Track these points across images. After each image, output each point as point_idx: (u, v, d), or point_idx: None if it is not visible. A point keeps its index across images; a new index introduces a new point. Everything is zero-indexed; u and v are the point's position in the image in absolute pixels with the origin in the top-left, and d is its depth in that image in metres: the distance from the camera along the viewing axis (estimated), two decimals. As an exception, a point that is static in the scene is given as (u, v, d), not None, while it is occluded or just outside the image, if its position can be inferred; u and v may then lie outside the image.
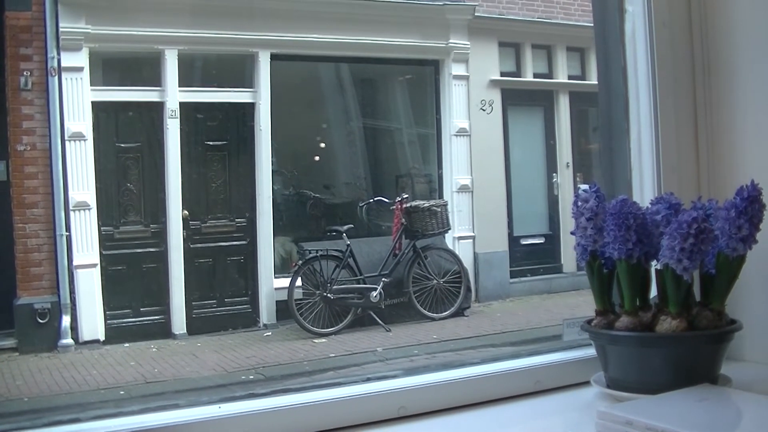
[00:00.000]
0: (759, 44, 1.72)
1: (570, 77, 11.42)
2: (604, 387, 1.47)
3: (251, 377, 6.78)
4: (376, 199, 9.80)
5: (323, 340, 8.06)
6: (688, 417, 1.21)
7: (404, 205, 8.95)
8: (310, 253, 8.47)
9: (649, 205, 1.51)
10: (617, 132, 1.81)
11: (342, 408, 1.38)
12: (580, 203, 1.47)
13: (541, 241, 11.10)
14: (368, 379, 1.47)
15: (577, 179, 11.11)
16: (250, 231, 9.30)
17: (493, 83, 10.75)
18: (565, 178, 11.15)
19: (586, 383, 1.53)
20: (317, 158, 10.76)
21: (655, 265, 1.46)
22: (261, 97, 9.25)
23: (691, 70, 1.80)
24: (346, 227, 8.70)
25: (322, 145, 10.82)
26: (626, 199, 1.42)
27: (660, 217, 1.46)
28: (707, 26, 1.79)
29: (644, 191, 1.75)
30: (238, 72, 9.40)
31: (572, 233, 1.48)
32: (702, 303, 1.47)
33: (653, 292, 1.49)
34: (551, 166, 11.27)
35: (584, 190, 1.47)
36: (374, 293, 8.48)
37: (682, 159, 1.77)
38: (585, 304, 1.53)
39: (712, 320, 1.44)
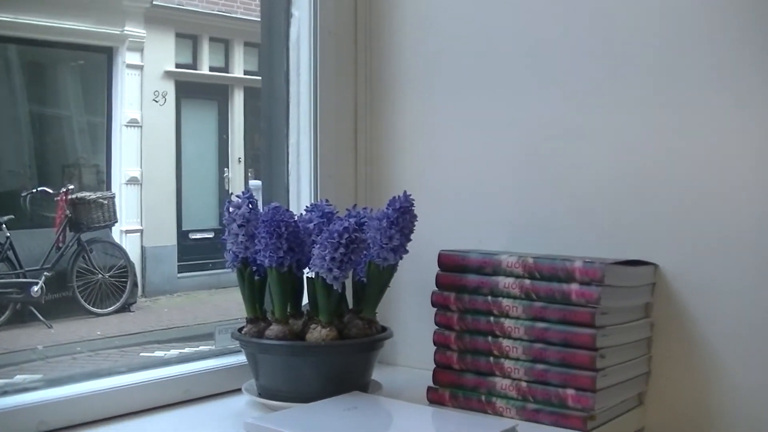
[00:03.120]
0: (418, 65, 1.78)
1: (246, 72, 11.43)
2: (255, 396, 1.45)
3: None
4: (40, 189, 9.38)
5: (-23, 338, 7.62)
6: (336, 426, 1.21)
7: (69, 196, 8.62)
8: (-38, 245, 7.98)
9: (304, 213, 1.51)
10: (277, 136, 1.80)
11: (-31, 427, 1.27)
12: (231, 209, 1.44)
13: (211, 236, 11.04)
14: (5, 393, 1.36)
15: (249, 175, 11.15)
16: None
17: (168, 74, 10.58)
18: (236, 173, 11.17)
19: (239, 390, 1.50)
20: (-23, 144, 10.16)
21: (307, 273, 1.46)
22: None
23: (353, 80, 1.83)
24: (5, 218, 8.24)
25: (-18, 130, 10.22)
26: (279, 206, 1.40)
27: (312, 225, 1.46)
28: (372, 40, 1.83)
29: (301, 197, 1.75)
30: None
31: (223, 239, 1.45)
32: (354, 311, 1.49)
33: (306, 300, 1.48)
34: (223, 160, 11.25)
35: (237, 196, 1.44)
36: (35, 288, 8.09)
37: (340, 167, 1.79)
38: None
39: (362, 329, 1.45)
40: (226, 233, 1.43)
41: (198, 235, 10.93)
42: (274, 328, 1.42)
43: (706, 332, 1.42)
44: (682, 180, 1.43)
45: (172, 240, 10.44)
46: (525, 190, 1.63)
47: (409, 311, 1.73)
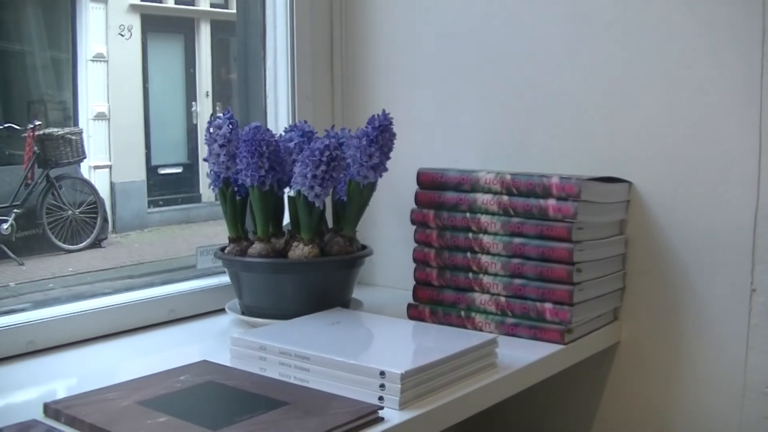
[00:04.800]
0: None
1: (212, 5, 11.28)
2: (239, 314, 1.47)
3: None
4: (6, 125, 9.25)
5: (-53, 275, 7.57)
6: (319, 339, 1.23)
7: (36, 133, 8.51)
8: (-69, 182, 7.89)
9: (283, 133, 1.52)
10: (253, 60, 1.81)
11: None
12: (213, 129, 1.45)
13: (180, 171, 10.98)
14: (-7, 313, 1.38)
15: (217, 108, 11.06)
16: None
17: (133, 8, 10.43)
18: (204, 107, 11.07)
19: (222, 311, 1.53)
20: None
21: (288, 192, 1.47)
22: None
23: (329, 2, 1.82)
24: (-28, 156, 8.18)
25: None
26: (259, 126, 1.41)
27: (293, 144, 1.47)
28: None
29: (279, 120, 1.76)
30: None
31: (205, 160, 1.45)
32: (334, 230, 1.50)
33: (287, 219, 1.50)
34: (191, 94, 11.14)
35: (218, 117, 1.45)
36: (5, 225, 8.03)
37: (317, 88, 1.80)
38: (224, 233, 1.52)
39: (343, 246, 1.47)
40: (208, 154, 1.44)
41: (167, 170, 10.84)
42: (257, 246, 1.44)
43: (678, 249, 1.45)
44: (656, 101, 1.45)
45: (141, 175, 10.36)
46: (501, 111, 1.64)
47: (389, 232, 1.76)
